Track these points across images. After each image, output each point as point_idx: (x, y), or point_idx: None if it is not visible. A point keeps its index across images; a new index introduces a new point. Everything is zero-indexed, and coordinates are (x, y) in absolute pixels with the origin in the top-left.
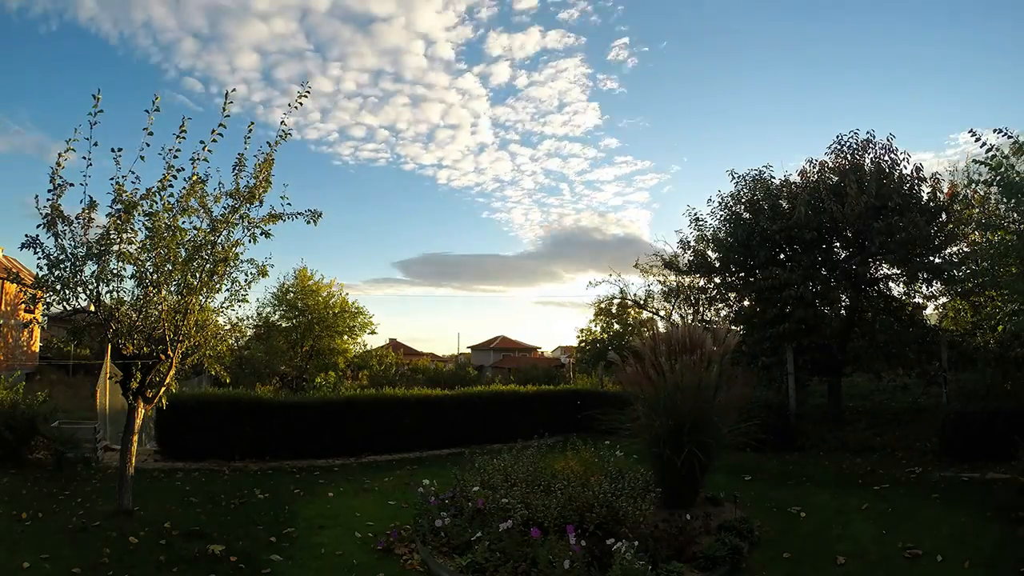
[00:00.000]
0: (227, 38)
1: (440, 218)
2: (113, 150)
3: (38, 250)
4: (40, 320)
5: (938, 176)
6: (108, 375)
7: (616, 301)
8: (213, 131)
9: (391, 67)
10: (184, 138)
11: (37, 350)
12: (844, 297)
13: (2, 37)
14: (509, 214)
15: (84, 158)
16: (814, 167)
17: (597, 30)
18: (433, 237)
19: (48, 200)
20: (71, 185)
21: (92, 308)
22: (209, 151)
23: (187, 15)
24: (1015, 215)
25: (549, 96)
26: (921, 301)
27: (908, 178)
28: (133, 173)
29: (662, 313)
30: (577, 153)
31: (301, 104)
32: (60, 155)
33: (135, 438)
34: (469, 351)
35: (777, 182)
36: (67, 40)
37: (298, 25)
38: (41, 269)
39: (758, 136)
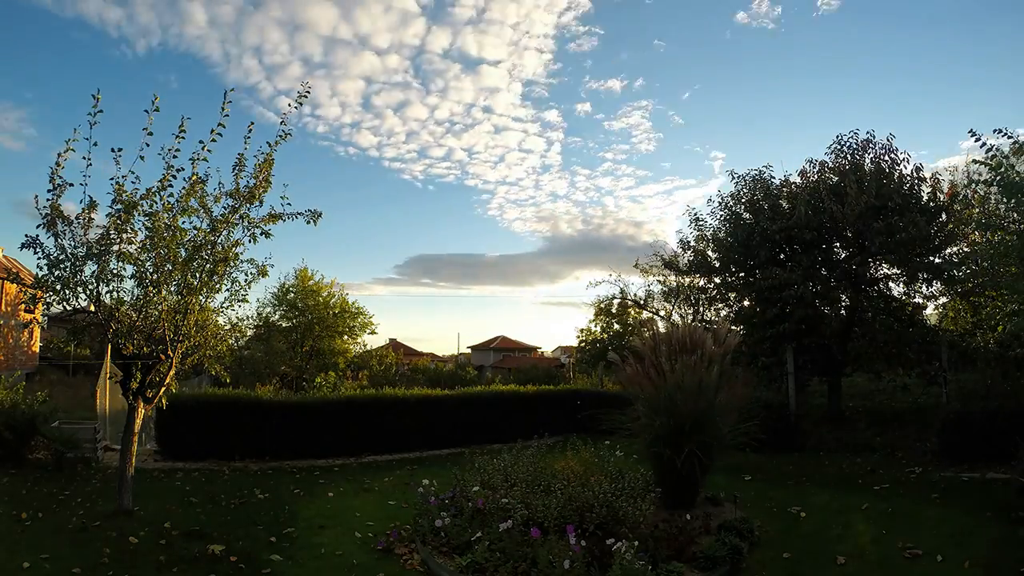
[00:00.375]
0: (336, 66)
1: (481, 226)
2: (113, 150)
3: (38, 250)
4: (40, 320)
5: (938, 176)
6: (108, 375)
7: (616, 301)
8: (212, 131)
9: (485, 100)
10: (183, 138)
11: (37, 350)
12: (844, 297)
13: (91, 51)
14: (555, 224)
15: (84, 158)
16: (814, 167)
17: (675, 78)
18: (468, 241)
19: (48, 200)
20: (71, 185)
21: (92, 308)
22: (209, 151)
23: (303, 42)
24: (1015, 215)
25: (620, 128)
26: (921, 301)
27: (908, 178)
28: (133, 173)
29: (662, 313)
30: (629, 173)
31: (301, 104)
32: (59, 155)
33: (135, 438)
34: (469, 351)
35: (777, 182)
36: (165, 57)
37: (410, 62)
38: (41, 269)
39: (790, 146)
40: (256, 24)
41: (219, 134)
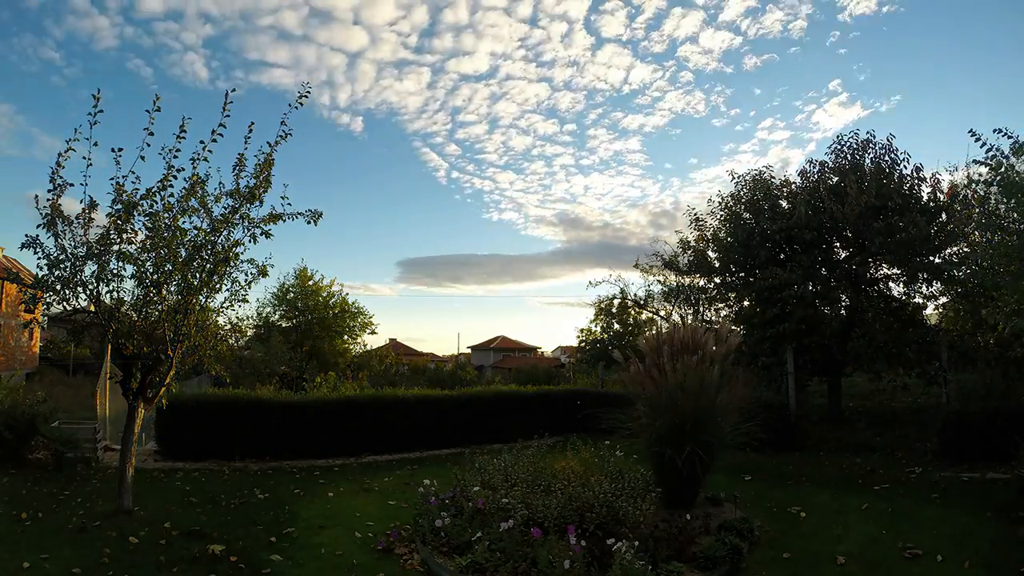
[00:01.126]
0: (520, 127)
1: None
2: (113, 150)
3: (38, 250)
4: (40, 320)
5: (938, 176)
6: (108, 375)
7: (616, 301)
8: (213, 131)
9: (623, 156)
10: (184, 138)
11: (37, 350)
12: (844, 297)
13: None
14: (626, 237)
15: (84, 158)
16: (814, 167)
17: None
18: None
19: (48, 200)
20: (71, 185)
21: (92, 308)
22: (210, 151)
23: (502, 109)
24: (1015, 215)
25: (715, 176)
26: (921, 301)
27: (908, 178)
28: (133, 173)
29: (662, 313)
30: (707, 195)
31: (301, 104)
32: (60, 155)
33: (135, 438)
34: (469, 351)
35: (777, 182)
36: (359, 102)
37: (581, 130)
38: (41, 269)
39: None
40: (470, 89)
41: (219, 134)
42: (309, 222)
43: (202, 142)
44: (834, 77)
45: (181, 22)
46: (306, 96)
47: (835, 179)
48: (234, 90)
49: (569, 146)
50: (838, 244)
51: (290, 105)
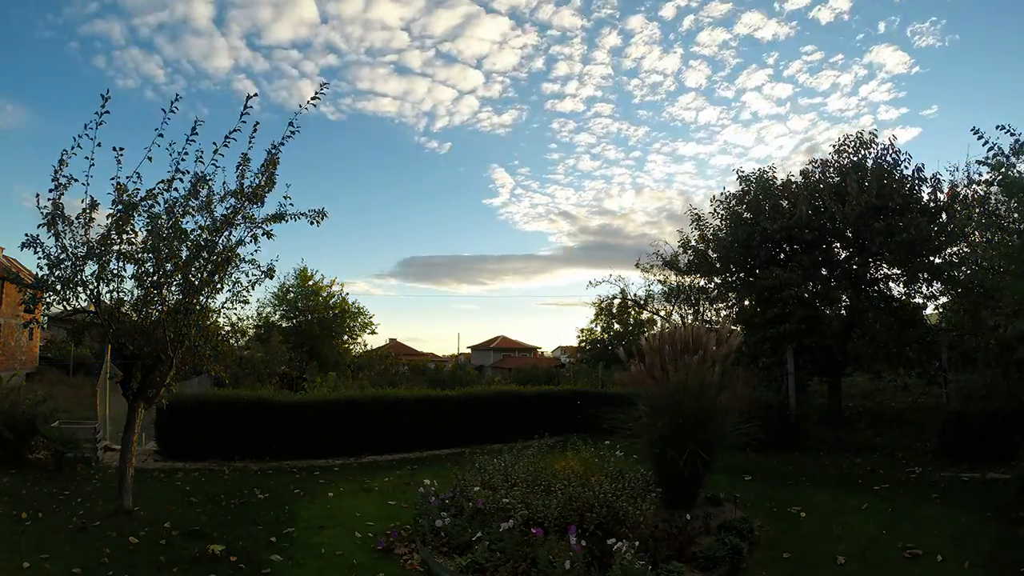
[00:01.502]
0: (594, 153)
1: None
2: (115, 149)
3: (38, 250)
4: (40, 320)
5: (939, 176)
6: (108, 375)
7: (617, 301)
8: (227, 135)
9: (673, 175)
10: (195, 141)
11: (37, 350)
12: (844, 297)
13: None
14: (659, 245)
15: (87, 158)
16: (816, 166)
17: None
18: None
19: (49, 199)
20: (74, 181)
21: (92, 308)
22: (220, 155)
23: (579, 138)
24: (1015, 215)
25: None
26: (921, 301)
27: (909, 179)
28: (136, 173)
29: (662, 313)
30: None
31: (314, 106)
32: (64, 154)
33: (135, 438)
34: (469, 351)
35: (778, 182)
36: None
37: (644, 155)
38: (41, 269)
39: None
40: (559, 124)
41: (232, 139)
42: (312, 222)
43: (214, 143)
44: (866, 115)
45: (305, 51)
46: (319, 98)
47: (836, 179)
48: (255, 95)
49: (631, 168)
50: (838, 244)
51: (300, 106)
